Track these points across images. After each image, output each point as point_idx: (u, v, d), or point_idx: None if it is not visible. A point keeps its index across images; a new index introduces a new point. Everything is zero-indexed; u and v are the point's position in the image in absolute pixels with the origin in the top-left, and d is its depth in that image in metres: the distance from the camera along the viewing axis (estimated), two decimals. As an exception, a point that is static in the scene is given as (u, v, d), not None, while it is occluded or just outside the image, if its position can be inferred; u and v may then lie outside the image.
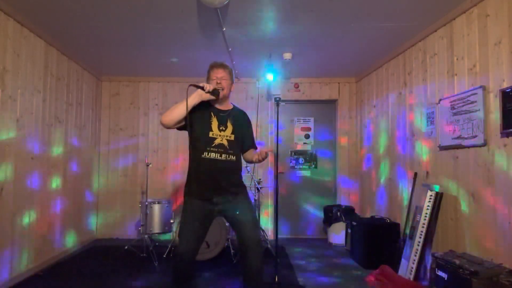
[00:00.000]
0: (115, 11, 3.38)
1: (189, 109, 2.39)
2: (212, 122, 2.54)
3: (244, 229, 2.47)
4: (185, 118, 2.43)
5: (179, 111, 2.41)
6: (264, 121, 5.74)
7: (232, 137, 2.55)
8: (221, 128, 2.54)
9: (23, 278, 3.59)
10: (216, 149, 2.48)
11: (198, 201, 2.45)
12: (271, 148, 2.65)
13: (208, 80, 2.59)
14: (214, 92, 2.47)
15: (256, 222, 2.60)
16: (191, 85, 2.43)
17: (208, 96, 2.46)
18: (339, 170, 5.78)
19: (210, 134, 2.50)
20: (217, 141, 2.50)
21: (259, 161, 2.52)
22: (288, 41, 4.16)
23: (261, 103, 5.74)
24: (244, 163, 2.77)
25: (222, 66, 2.61)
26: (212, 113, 2.56)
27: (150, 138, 5.74)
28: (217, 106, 2.61)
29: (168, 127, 2.49)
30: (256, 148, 2.74)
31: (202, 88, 2.44)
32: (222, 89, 2.53)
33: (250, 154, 2.68)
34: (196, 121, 2.50)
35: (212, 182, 2.46)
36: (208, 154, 2.46)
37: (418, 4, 3.20)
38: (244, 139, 2.65)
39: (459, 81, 3.22)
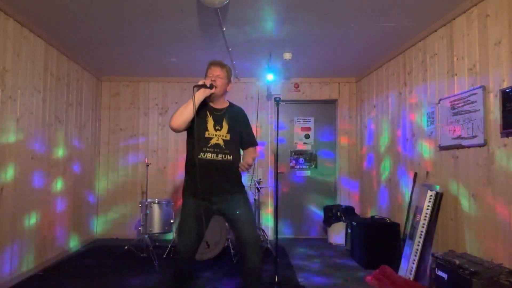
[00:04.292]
0: (115, 11, 3.38)
1: (196, 108, 2.41)
2: (208, 122, 2.54)
3: (242, 228, 2.47)
4: (192, 119, 2.43)
5: (187, 113, 2.41)
6: (264, 121, 5.75)
7: (228, 137, 2.54)
8: (216, 128, 2.54)
9: (23, 278, 3.59)
10: (212, 149, 2.48)
11: (197, 200, 2.45)
12: (251, 160, 2.57)
13: (204, 77, 2.61)
14: (211, 86, 2.50)
15: (254, 221, 2.60)
16: (195, 86, 2.45)
17: (209, 91, 2.49)
18: (339, 170, 5.78)
19: (206, 134, 2.50)
20: (213, 141, 2.50)
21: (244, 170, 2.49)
22: (288, 41, 4.16)
23: (261, 103, 5.74)
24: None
25: (219, 64, 2.60)
26: (208, 113, 2.56)
27: (150, 138, 5.74)
28: (213, 105, 2.60)
29: (179, 131, 2.48)
30: (256, 145, 2.73)
31: (205, 86, 2.46)
32: (216, 87, 2.53)
33: (248, 154, 2.67)
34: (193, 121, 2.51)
35: (209, 182, 2.45)
36: (204, 155, 2.46)
37: (418, 4, 3.20)
38: (241, 137, 2.64)
39: (459, 81, 3.22)
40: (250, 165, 2.46)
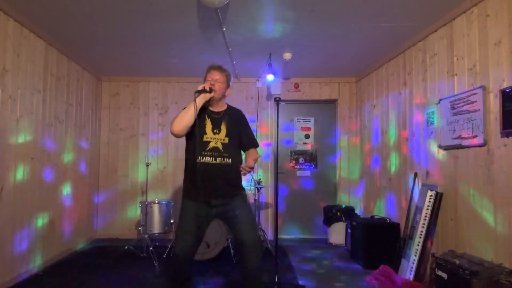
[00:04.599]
0: (115, 11, 3.38)
1: (197, 113, 2.40)
2: (207, 125, 2.53)
3: (242, 230, 2.47)
4: (193, 125, 2.43)
5: (188, 118, 2.41)
6: (264, 121, 5.75)
7: (227, 140, 2.53)
8: (215, 131, 2.52)
9: (24, 277, 3.59)
10: (211, 153, 2.47)
11: (196, 203, 2.45)
12: (252, 162, 2.55)
13: (204, 80, 2.60)
14: (210, 90, 2.50)
15: (253, 223, 2.60)
16: (196, 91, 2.45)
17: (209, 95, 2.48)
18: (339, 170, 5.78)
19: (205, 138, 2.49)
20: (211, 145, 2.48)
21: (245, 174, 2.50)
22: (288, 41, 4.16)
23: (261, 103, 5.74)
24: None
25: (219, 69, 2.59)
26: (206, 116, 2.55)
27: (150, 138, 5.74)
28: (211, 108, 2.59)
29: (180, 136, 2.46)
30: (257, 146, 2.72)
31: (206, 91, 2.46)
32: (215, 91, 2.53)
33: (249, 156, 2.66)
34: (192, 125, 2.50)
35: (209, 185, 2.44)
36: (202, 159, 2.45)
37: (418, 4, 3.20)
38: (241, 139, 2.63)
39: (459, 81, 3.22)
40: (252, 168, 2.45)
